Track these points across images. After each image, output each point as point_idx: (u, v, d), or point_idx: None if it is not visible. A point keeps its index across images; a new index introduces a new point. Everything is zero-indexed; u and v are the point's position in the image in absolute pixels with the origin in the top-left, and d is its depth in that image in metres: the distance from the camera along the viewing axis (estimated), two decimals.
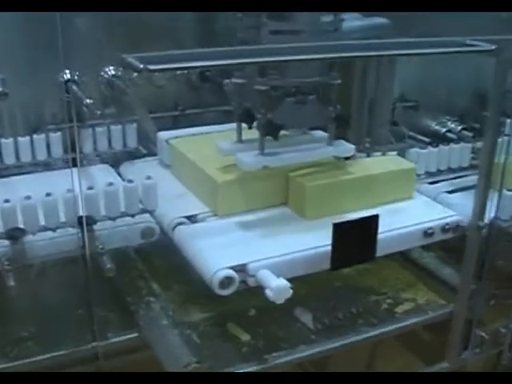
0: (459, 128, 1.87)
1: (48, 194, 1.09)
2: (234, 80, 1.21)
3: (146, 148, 1.56)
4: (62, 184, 1.33)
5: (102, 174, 1.43)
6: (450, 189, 1.43)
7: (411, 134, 1.70)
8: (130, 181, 1.16)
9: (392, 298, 1.39)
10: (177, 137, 1.47)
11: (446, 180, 1.48)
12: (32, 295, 1.23)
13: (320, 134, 1.33)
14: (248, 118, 1.19)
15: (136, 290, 1.29)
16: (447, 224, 1.26)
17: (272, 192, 1.27)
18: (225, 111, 1.67)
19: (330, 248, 1.11)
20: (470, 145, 1.53)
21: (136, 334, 1.20)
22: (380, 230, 1.10)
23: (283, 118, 1.16)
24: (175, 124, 1.62)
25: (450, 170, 1.50)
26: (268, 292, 1.03)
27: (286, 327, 1.27)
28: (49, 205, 1.09)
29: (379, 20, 1.33)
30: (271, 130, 1.14)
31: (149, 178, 1.17)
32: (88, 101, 1.34)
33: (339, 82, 1.19)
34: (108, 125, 1.50)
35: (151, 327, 1.20)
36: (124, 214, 1.16)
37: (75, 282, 1.15)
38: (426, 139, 1.70)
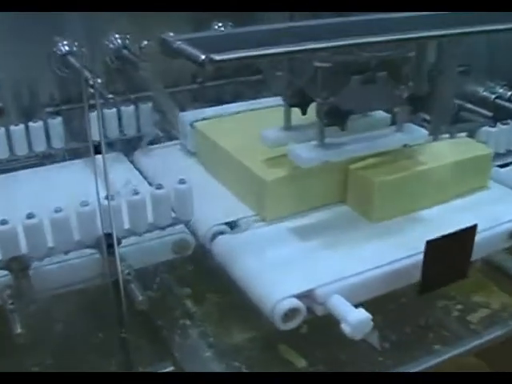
0: (509, 94, 1.65)
1: (57, 210, 0.86)
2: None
3: (164, 131, 1.33)
4: (68, 182, 1.14)
5: (115, 167, 1.19)
6: None
7: (468, 105, 1.48)
8: (160, 186, 0.93)
9: (462, 303, 1.19)
10: (204, 118, 1.22)
11: None
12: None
13: (381, 114, 1.11)
14: (302, 100, 0.96)
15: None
16: None
17: (329, 189, 1.04)
18: (254, 82, 1.44)
19: (410, 262, 0.91)
20: None
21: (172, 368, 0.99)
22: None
23: (349, 102, 0.93)
24: (194, 101, 1.39)
25: None
26: (345, 327, 0.82)
27: (348, 347, 1.07)
28: (59, 223, 0.86)
29: None
30: (337, 119, 0.90)
31: (182, 181, 0.94)
32: (95, 80, 1.10)
33: (413, 54, 0.96)
34: (118, 105, 1.25)
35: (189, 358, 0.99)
36: (153, 227, 0.94)
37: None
38: (486, 112, 1.47)
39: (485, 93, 1.65)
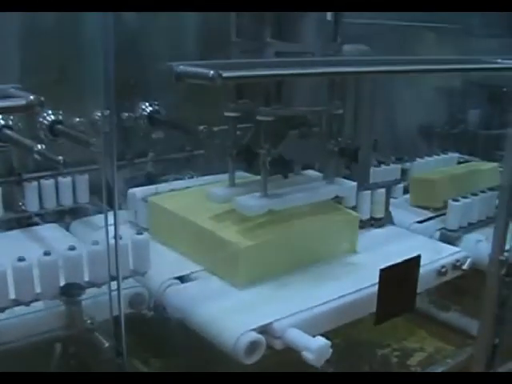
0: None
1: (20, 259, 0.86)
2: (227, 114, 1.05)
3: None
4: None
5: (54, 236, 1.19)
6: (441, 226, 1.33)
7: None
8: (120, 237, 0.94)
9: (399, 349, 1.26)
10: (156, 193, 1.25)
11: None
12: None
13: (312, 173, 1.20)
14: (248, 155, 1.03)
15: None
16: (458, 260, 1.16)
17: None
18: (181, 159, 1.51)
19: (355, 297, 0.98)
20: None
21: None
22: None
23: (288, 154, 1.01)
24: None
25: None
26: (307, 355, 0.86)
27: None
28: (22, 273, 0.85)
29: (362, 47, 1.24)
30: (282, 167, 0.98)
31: (140, 233, 0.97)
32: (40, 146, 1.12)
33: (341, 111, 1.07)
34: (55, 176, 1.27)
35: None
36: (113, 279, 0.94)
37: None
38: None
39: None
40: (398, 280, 0.91)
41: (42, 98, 0.72)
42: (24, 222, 1.28)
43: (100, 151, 1.22)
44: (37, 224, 1.27)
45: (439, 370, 1.17)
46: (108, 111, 0.74)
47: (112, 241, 0.93)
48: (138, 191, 1.27)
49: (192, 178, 1.52)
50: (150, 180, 1.42)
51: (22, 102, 0.72)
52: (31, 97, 0.72)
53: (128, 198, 1.27)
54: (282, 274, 1.04)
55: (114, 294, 0.95)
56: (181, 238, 1.13)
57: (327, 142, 1.07)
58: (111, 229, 1.19)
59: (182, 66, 0.75)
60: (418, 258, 0.94)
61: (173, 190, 1.28)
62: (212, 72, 0.70)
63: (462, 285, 1.25)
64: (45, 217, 1.30)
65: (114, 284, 0.94)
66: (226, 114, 1.06)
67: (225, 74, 0.70)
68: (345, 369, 1.17)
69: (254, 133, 1.04)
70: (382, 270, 0.88)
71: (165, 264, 1.07)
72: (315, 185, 1.12)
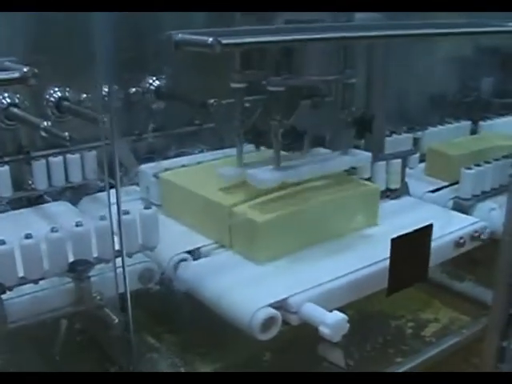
0: None
1: (28, 236, 0.85)
2: (233, 85, 1.03)
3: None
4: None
5: (64, 214, 1.19)
6: (454, 195, 1.31)
7: None
8: (126, 212, 0.93)
9: (413, 320, 1.24)
10: (166, 169, 1.23)
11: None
12: None
13: (322, 150, 1.18)
14: (256, 135, 1.01)
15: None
16: (476, 231, 1.14)
17: None
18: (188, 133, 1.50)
19: (371, 270, 0.96)
20: None
21: None
22: None
23: (300, 125, 0.99)
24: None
25: None
26: (323, 330, 0.85)
27: (316, 370, 1.08)
28: (29, 250, 0.85)
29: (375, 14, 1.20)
30: (294, 139, 0.96)
31: (147, 207, 0.95)
32: (46, 123, 1.11)
33: (354, 80, 1.04)
34: (63, 153, 1.26)
35: None
36: (121, 254, 0.93)
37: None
38: None
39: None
40: (410, 250, 0.90)
41: (36, 70, 0.70)
42: (34, 199, 1.28)
43: (107, 127, 1.22)
44: (46, 202, 1.26)
45: (454, 340, 1.15)
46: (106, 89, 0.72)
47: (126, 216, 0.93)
48: (148, 167, 1.25)
49: (202, 152, 1.51)
50: (155, 153, 1.40)
51: (16, 74, 0.70)
52: (25, 69, 0.70)
53: (139, 175, 1.26)
54: (299, 248, 1.03)
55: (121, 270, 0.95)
56: (193, 213, 1.12)
57: (340, 111, 1.04)
58: (127, 205, 1.21)
59: (180, 35, 0.72)
60: (430, 226, 0.92)
61: (184, 166, 1.26)
62: (211, 39, 0.68)
63: (475, 254, 1.23)
64: (54, 194, 1.29)
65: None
66: (233, 85, 1.04)
67: (224, 41, 0.68)
68: (358, 341, 1.16)
69: (263, 105, 1.01)
70: (393, 240, 0.87)
71: (176, 239, 1.07)
72: (329, 156, 1.10)
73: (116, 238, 0.90)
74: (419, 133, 1.55)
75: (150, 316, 1.15)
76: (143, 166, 1.26)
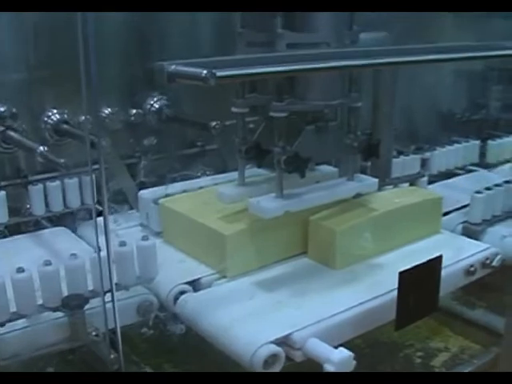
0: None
1: (20, 270, 0.82)
2: (234, 109, 1.00)
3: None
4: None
5: (62, 241, 1.15)
6: (464, 219, 1.27)
7: None
8: (123, 243, 0.90)
9: (422, 350, 1.20)
10: (167, 195, 1.19)
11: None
12: None
13: (328, 168, 1.15)
14: (258, 153, 0.98)
15: None
16: (487, 258, 1.10)
17: (287, 241, 1.05)
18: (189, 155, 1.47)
19: (379, 302, 0.92)
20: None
21: None
22: None
23: (304, 151, 0.96)
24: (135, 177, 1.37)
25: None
26: (329, 367, 0.80)
27: None
28: (21, 284, 0.81)
29: (380, 34, 1.17)
30: (298, 166, 0.92)
31: (145, 238, 0.92)
32: (42, 148, 1.09)
33: (360, 104, 1.01)
34: (61, 178, 1.23)
35: None
36: (118, 287, 0.90)
37: None
38: None
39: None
40: (419, 282, 0.86)
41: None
42: (32, 225, 1.25)
43: (107, 152, 1.19)
44: (45, 227, 1.23)
45: (465, 370, 1.11)
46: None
47: (116, 248, 0.89)
48: (148, 193, 1.21)
49: (205, 174, 1.48)
50: (156, 176, 1.38)
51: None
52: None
53: (139, 200, 1.22)
54: None
55: (120, 304, 0.91)
56: (194, 241, 1.08)
57: (345, 136, 1.01)
58: (125, 232, 1.18)
59: (174, 66, 0.69)
60: (440, 258, 0.88)
61: (185, 191, 1.22)
62: (205, 72, 0.65)
63: (486, 280, 1.19)
64: (52, 220, 1.26)
65: (121, 294, 0.92)
66: (234, 109, 1.01)
67: (219, 74, 0.65)
68: (366, 370, 1.12)
69: (264, 128, 0.98)
70: (401, 273, 0.83)
71: (176, 270, 1.03)
72: (334, 182, 1.07)
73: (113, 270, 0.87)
74: (427, 153, 1.51)
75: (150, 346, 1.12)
76: (143, 192, 1.22)
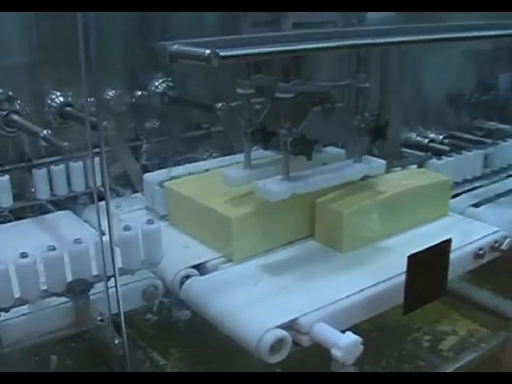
0: (440, 137, 1.72)
1: (23, 255, 0.81)
2: (240, 91, 0.98)
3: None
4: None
5: (66, 225, 1.14)
6: (474, 201, 1.26)
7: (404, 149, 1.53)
8: (128, 227, 0.89)
9: (430, 333, 1.19)
10: (173, 177, 1.17)
11: (464, 192, 1.31)
12: None
13: (335, 150, 1.13)
14: (264, 135, 0.96)
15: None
16: (496, 241, 1.08)
17: (294, 224, 1.04)
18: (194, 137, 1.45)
19: (387, 286, 0.91)
20: (483, 151, 1.37)
21: None
22: None
23: (310, 132, 0.94)
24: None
25: (467, 181, 1.33)
26: (336, 352, 0.79)
27: None
28: (25, 269, 0.81)
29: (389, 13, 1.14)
30: (304, 148, 0.91)
31: (150, 221, 0.91)
32: (46, 132, 1.07)
33: (368, 85, 0.99)
34: (65, 161, 1.22)
35: None
36: (122, 272, 0.89)
37: None
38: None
39: (418, 137, 1.72)
40: (427, 266, 0.84)
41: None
42: (37, 209, 1.24)
43: (112, 134, 1.18)
44: (50, 211, 1.22)
45: (473, 355, 1.10)
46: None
47: (121, 232, 0.88)
48: (153, 175, 1.19)
49: (211, 156, 1.47)
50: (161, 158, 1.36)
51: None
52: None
53: (144, 183, 1.20)
54: None
55: (124, 288, 0.91)
56: (200, 225, 1.07)
57: (353, 118, 0.99)
58: (130, 215, 1.17)
59: (176, 46, 0.67)
60: (449, 241, 0.86)
61: (191, 174, 1.20)
62: (208, 51, 0.63)
63: (495, 262, 1.17)
64: (57, 203, 1.25)
65: (126, 278, 0.91)
66: (239, 90, 0.99)
67: (222, 53, 0.63)
68: (372, 356, 1.11)
69: (270, 110, 0.96)
70: (409, 257, 0.82)
71: (181, 254, 1.02)
72: (341, 164, 1.05)
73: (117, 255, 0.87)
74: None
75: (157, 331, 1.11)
76: (148, 175, 1.20)
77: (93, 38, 0.60)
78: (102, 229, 0.85)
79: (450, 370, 1.07)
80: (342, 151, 1.13)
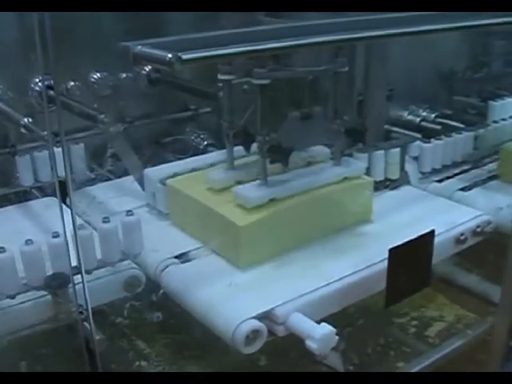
0: (432, 116, 1.70)
1: (1, 250, 0.80)
2: (221, 77, 0.96)
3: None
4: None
5: (50, 212, 1.13)
6: (462, 185, 1.24)
7: (394, 129, 1.51)
8: (106, 219, 0.88)
9: (417, 318, 1.19)
10: (175, 174, 1.10)
11: (453, 176, 1.29)
12: None
13: (320, 148, 1.10)
14: (246, 138, 0.95)
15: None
16: (478, 226, 1.07)
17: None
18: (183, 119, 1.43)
19: (361, 275, 0.92)
20: (472, 133, 1.35)
21: None
22: None
23: (288, 138, 0.93)
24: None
25: (455, 164, 1.32)
26: (310, 344, 0.79)
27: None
28: (4, 263, 0.80)
29: None
30: (280, 156, 0.90)
31: (130, 213, 0.90)
32: (26, 120, 1.06)
33: (347, 69, 0.96)
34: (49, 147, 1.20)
35: None
36: (102, 264, 0.89)
37: None
38: (414, 134, 1.51)
39: (409, 116, 1.70)
40: (410, 258, 0.84)
41: None
42: (22, 195, 1.24)
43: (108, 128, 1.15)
44: (35, 197, 1.21)
45: (459, 342, 1.10)
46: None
47: (100, 224, 0.88)
48: (154, 171, 1.12)
49: (199, 137, 1.46)
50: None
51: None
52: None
53: (145, 179, 1.13)
54: (284, 251, 0.97)
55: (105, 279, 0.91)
56: (204, 228, 1.02)
57: (331, 122, 0.97)
58: (120, 201, 1.14)
59: (139, 47, 0.65)
60: (432, 233, 0.86)
61: (194, 169, 1.12)
62: (169, 55, 0.61)
63: (482, 247, 1.17)
64: (42, 189, 1.24)
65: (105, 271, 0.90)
66: (221, 76, 0.97)
67: (185, 57, 0.61)
68: (358, 341, 1.11)
69: (252, 112, 0.95)
70: (390, 250, 0.81)
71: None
72: (320, 167, 1.04)
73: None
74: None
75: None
76: (148, 170, 1.13)
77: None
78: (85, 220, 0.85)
79: (436, 356, 1.07)
80: (327, 150, 1.10)
